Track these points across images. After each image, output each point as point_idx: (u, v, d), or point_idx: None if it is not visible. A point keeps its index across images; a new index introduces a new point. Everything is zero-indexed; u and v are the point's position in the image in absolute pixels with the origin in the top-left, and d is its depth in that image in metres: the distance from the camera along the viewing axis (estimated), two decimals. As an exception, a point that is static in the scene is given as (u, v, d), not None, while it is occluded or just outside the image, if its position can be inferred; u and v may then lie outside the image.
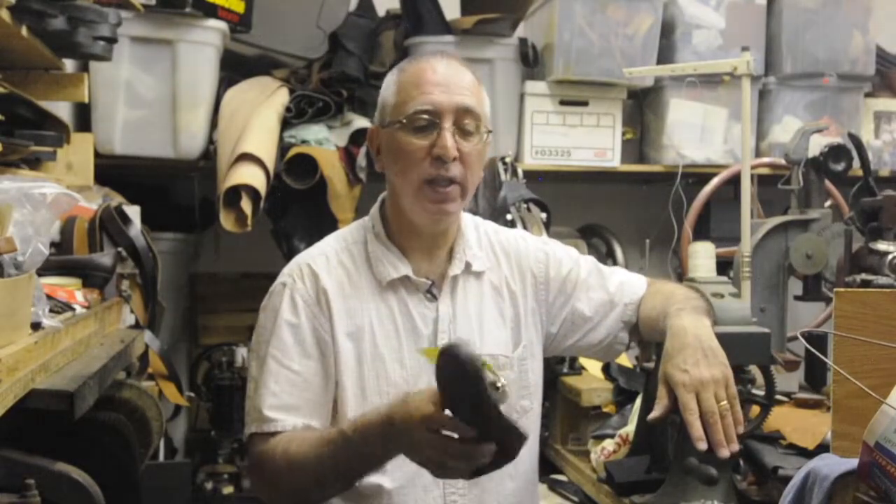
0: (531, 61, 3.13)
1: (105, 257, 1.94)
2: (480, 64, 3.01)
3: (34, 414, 1.29)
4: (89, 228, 2.03)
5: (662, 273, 3.01)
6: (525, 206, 2.46)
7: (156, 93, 2.87)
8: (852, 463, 1.21)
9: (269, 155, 2.78)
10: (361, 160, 2.86)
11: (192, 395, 3.08)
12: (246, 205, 2.70)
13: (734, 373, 1.54)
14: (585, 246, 2.76)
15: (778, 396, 1.81)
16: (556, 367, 2.40)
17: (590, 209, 3.47)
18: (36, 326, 1.39)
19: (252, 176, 2.71)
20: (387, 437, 1.36)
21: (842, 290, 1.36)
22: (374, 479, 1.55)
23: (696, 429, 1.47)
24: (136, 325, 2.12)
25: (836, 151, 2.27)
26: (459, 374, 1.22)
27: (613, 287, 1.77)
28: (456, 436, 1.28)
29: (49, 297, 1.57)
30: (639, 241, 3.18)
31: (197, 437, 3.28)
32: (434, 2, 3.13)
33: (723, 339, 1.57)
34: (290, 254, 2.74)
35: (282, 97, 2.94)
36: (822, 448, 1.69)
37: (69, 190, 1.53)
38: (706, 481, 1.56)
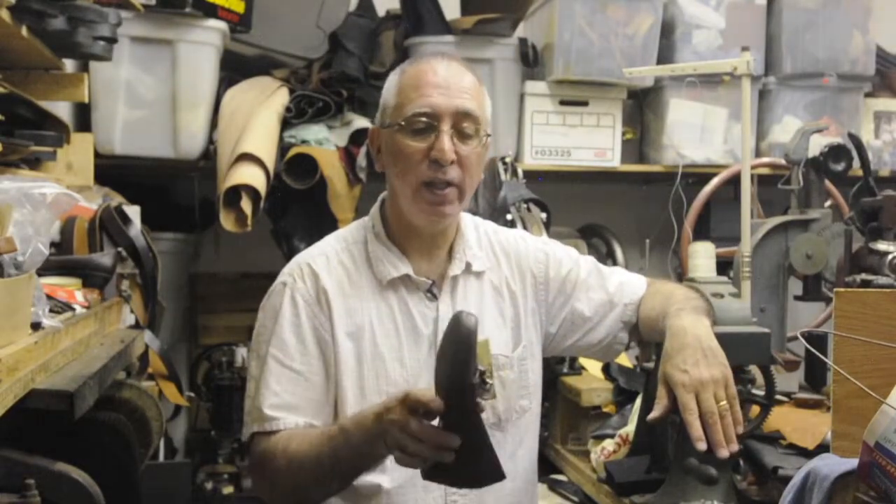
0: (531, 61, 3.13)
1: (105, 257, 1.94)
2: (480, 64, 3.01)
3: (34, 414, 1.29)
4: (89, 228, 2.03)
5: (662, 273, 3.01)
6: (525, 206, 2.46)
7: (156, 93, 2.87)
8: (852, 463, 1.21)
9: (269, 155, 2.78)
10: (361, 160, 2.86)
11: (192, 395, 3.08)
12: (246, 205, 2.70)
13: (734, 373, 1.54)
14: (585, 246, 2.75)
15: (778, 396, 1.81)
16: (556, 367, 2.40)
17: (590, 209, 3.47)
18: (36, 326, 1.40)
19: (252, 176, 2.71)
20: (377, 429, 1.37)
21: (842, 290, 1.36)
22: (373, 478, 1.55)
23: (696, 429, 1.47)
24: (136, 325, 2.12)
25: (836, 151, 2.27)
26: (453, 340, 1.23)
27: (613, 287, 1.77)
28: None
29: (49, 297, 1.57)
30: (639, 241, 3.18)
31: (197, 437, 3.28)
32: (434, 2, 3.13)
33: (723, 339, 1.57)
34: (290, 254, 2.74)
35: (282, 97, 2.94)
36: (822, 448, 1.69)
37: (69, 190, 1.53)
38: (706, 481, 1.56)
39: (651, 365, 1.83)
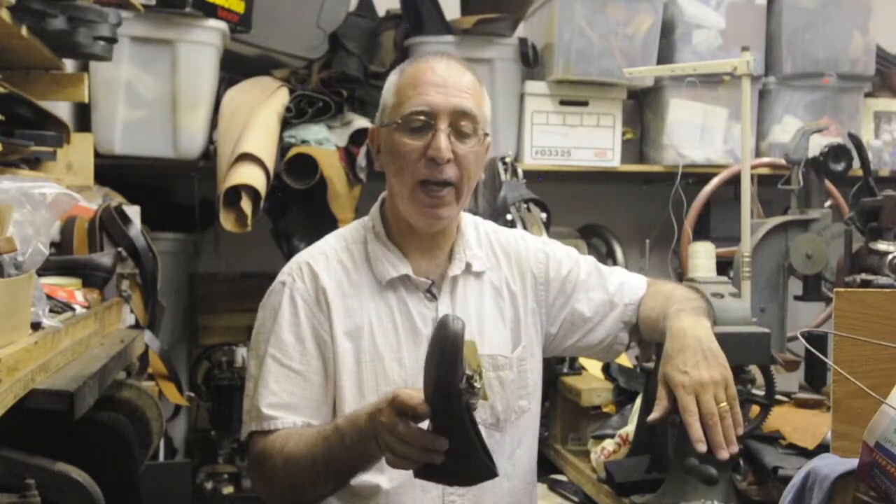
0: (531, 61, 3.13)
1: (105, 257, 1.94)
2: (480, 64, 3.01)
3: (34, 414, 1.29)
4: (89, 228, 2.03)
5: (662, 273, 3.01)
6: (525, 206, 2.46)
7: (156, 93, 2.87)
8: (852, 463, 1.21)
9: (269, 155, 2.78)
10: (361, 160, 2.86)
11: (192, 395, 3.08)
12: (246, 205, 2.70)
13: (734, 373, 1.54)
14: (585, 246, 2.75)
15: (778, 396, 1.81)
16: (556, 367, 2.39)
17: (590, 209, 3.47)
18: (36, 326, 1.39)
19: (252, 176, 2.71)
20: (370, 429, 1.37)
21: (842, 290, 1.36)
22: (371, 478, 1.55)
23: (696, 430, 1.47)
24: (136, 325, 2.12)
25: (836, 151, 2.27)
26: (439, 344, 1.22)
27: (613, 287, 1.77)
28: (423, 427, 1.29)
29: (49, 297, 1.57)
30: (639, 241, 3.18)
31: (197, 437, 3.28)
32: (434, 2, 3.13)
33: (723, 339, 1.57)
34: (290, 254, 2.74)
35: (282, 97, 2.94)
36: (822, 448, 1.69)
37: (69, 190, 1.53)
38: (706, 481, 1.56)
39: (651, 365, 1.83)
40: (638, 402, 2.05)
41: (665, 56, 3.15)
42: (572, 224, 3.07)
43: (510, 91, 3.14)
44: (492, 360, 1.65)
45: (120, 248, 2.05)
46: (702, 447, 1.47)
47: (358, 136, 2.90)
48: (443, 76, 1.58)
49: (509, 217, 2.41)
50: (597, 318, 1.76)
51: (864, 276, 1.94)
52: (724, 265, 2.12)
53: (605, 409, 2.28)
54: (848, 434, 1.30)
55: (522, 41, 3.14)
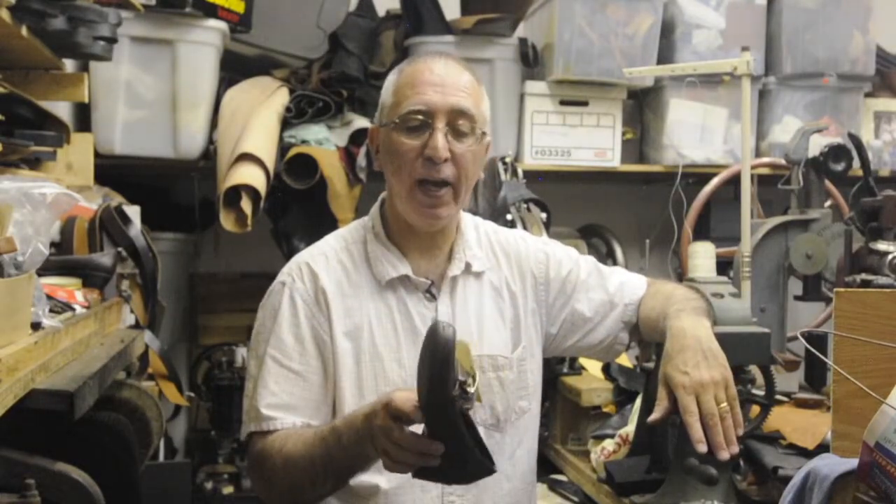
0: (531, 61, 3.13)
1: (105, 257, 1.94)
2: (480, 64, 3.01)
3: (34, 414, 1.29)
4: (89, 228, 2.03)
5: (662, 273, 3.01)
6: (525, 206, 2.46)
7: (156, 93, 2.87)
8: (852, 463, 1.21)
9: (269, 155, 2.78)
10: (361, 160, 2.86)
11: (192, 395, 3.08)
12: (246, 205, 2.70)
13: (734, 373, 1.54)
14: (585, 246, 2.75)
15: (778, 396, 1.81)
16: (556, 367, 2.39)
17: (590, 209, 3.47)
18: (36, 326, 1.39)
19: (252, 176, 2.71)
20: (367, 430, 1.37)
21: (842, 290, 1.36)
22: (371, 478, 1.55)
23: (696, 431, 1.47)
24: (136, 325, 2.12)
25: (836, 151, 2.27)
26: (430, 352, 1.23)
27: (613, 287, 1.77)
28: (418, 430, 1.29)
29: (49, 297, 1.57)
30: (639, 241, 3.18)
31: (197, 437, 3.28)
32: (434, 2, 3.13)
33: (723, 339, 1.57)
34: (290, 254, 2.73)
35: (282, 97, 2.94)
36: (822, 448, 1.69)
37: (69, 190, 1.53)
38: (706, 481, 1.56)
39: (651, 365, 1.83)
40: (638, 402, 2.05)
41: (665, 56, 3.15)
42: (572, 224, 3.07)
43: (510, 91, 3.14)
44: (492, 361, 1.65)
45: (120, 248, 2.05)
46: (702, 447, 1.47)
47: (358, 136, 2.90)
48: (440, 76, 1.58)
49: (509, 217, 2.41)
50: (597, 319, 1.76)
51: (864, 276, 1.94)
52: (724, 265, 2.12)
53: (605, 409, 2.28)
54: (848, 434, 1.30)
55: (522, 41, 3.14)
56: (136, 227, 2.14)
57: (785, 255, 2.23)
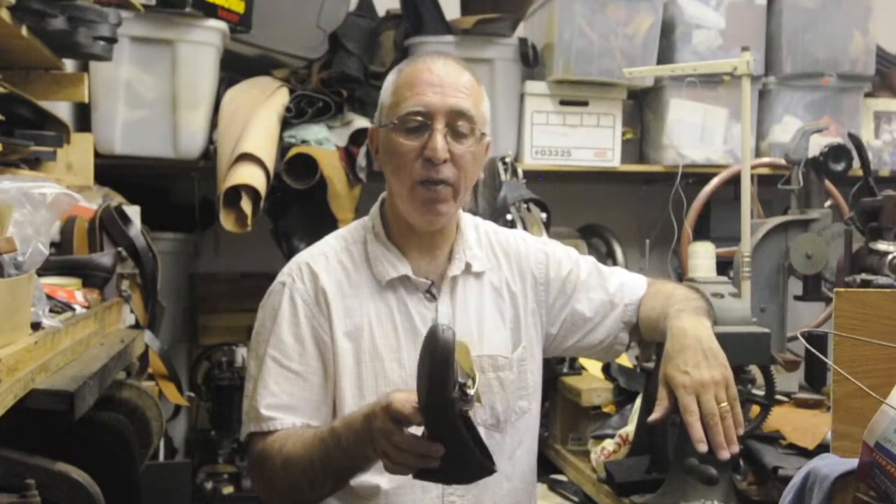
0: (531, 61, 3.13)
1: (105, 257, 1.94)
2: (480, 64, 3.01)
3: (34, 414, 1.29)
4: (89, 228, 2.03)
5: (662, 273, 3.01)
6: (525, 206, 2.46)
7: (156, 93, 2.87)
8: (852, 463, 1.21)
9: (269, 155, 2.78)
10: (361, 160, 2.86)
11: (192, 395, 3.08)
12: (246, 205, 2.70)
13: (734, 373, 1.54)
14: (585, 246, 2.75)
15: (778, 396, 1.81)
16: (556, 367, 2.39)
17: (590, 209, 3.47)
18: (36, 326, 1.39)
19: (252, 176, 2.71)
20: (366, 431, 1.37)
21: (842, 290, 1.36)
22: (371, 479, 1.55)
23: (697, 430, 1.47)
24: (136, 325, 2.12)
25: (836, 151, 2.27)
26: (429, 355, 1.23)
27: (613, 287, 1.77)
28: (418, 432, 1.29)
29: (49, 297, 1.57)
30: (639, 241, 3.18)
31: (197, 437, 3.28)
32: (434, 2, 3.13)
33: (723, 339, 1.57)
34: (290, 254, 2.74)
35: (282, 97, 2.94)
36: (822, 448, 1.69)
37: (69, 190, 1.53)
38: (706, 481, 1.56)
39: (651, 365, 1.83)
40: (638, 402, 2.05)
41: (665, 56, 3.15)
42: (572, 224, 3.07)
43: (510, 91, 3.14)
44: (492, 361, 1.65)
45: (120, 248, 2.05)
46: (703, 447, 1.47)
47: (358, 136, 2.90)
48: (440, 76, 1.57)
49: (509, 217, 2.41)
50: (597, 319, 1.76)
51: (864, 276, 1.94)
52: (724, 265, 2.12)
53: (605, 409, 2.28)
54: (848, 434, 1.30)
55: (522, 41, 3.14)
56: (136, 227, 2.14)
57: (785, 255, 2.23)
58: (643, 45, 3.10)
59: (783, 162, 2.43)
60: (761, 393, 1.73)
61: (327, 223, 2.75)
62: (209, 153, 2.92)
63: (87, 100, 2.24)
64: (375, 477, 1.55)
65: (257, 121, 2.81)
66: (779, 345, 2.19)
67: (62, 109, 2.44)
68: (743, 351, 1.65)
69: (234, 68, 3.05)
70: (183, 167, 3.00)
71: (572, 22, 3.04)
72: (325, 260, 1.65)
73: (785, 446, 1.83)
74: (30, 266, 1.37)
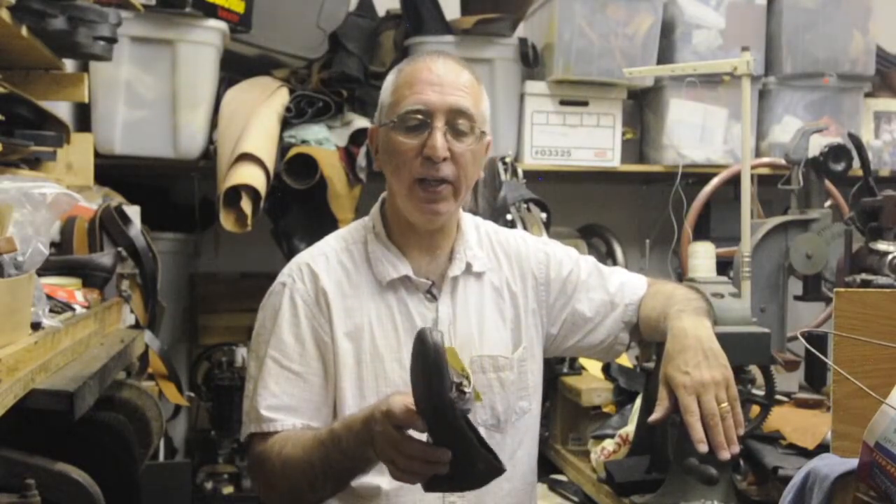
0: (531, 61, 3.13)
1: (105, 257, 1.94)
2: (480, 64, 3.01)
3: (34, 414, 1.29)
4: (89, 228, 2.03)
5: (662, 273, 3.01)
6: (525, 206, 2.46)
7: (156, 93, 2.87)
8: (852, 463, 1.21)
9: (269, 155, 2.78)
10: (361, 160, 2.86)
11: (192, 395, 3.08)
12: (246, 205, 2.70)
13: (734, 373, 1.54)
14: (585, 246, 2.75)
15: (778, 396, 1.81)
16: (556, 367, 2.39)
17: (590, 209, 3.48)
18: (36, 326, 1.40)
19: (252, 176, 2.71)
20: (366, 433, 1.37)
21: (842, 290, 1.36)
22: (372, 479, 1.55)
23: (697, 431, 1.47)
24: (136, 325, 2.12)
25: (836, 151, 2.27)
26: (421, 360, 1.22)
27: (614, 288, 1.77)
28: (422, 438, 1.29)
29: (49, 297, 1.57)
30: (639, 241, 3.18)
31: (197, 437, 3.28)
32: (434, 2, 3.13)
33: (723, 339, 1.57)
34: (290, 254, 2.74)
35: (282, 97, 2.94)
36: (822, 448, 1.69)
37: (69, 190, 1.53)
38: (706, 481, 1.56)
39: (651, 365, 1.83)
40: (638, 402, 2.05)
41: (665, 56, 3.15)
42: (572, 224, 3.07)
43: (510, 91, 3.14)
44: (492, 361, 1.65)
45: (120, 248, 2.05)
46: (703, 448, 1.47)
47: (358, 136, 2.90)
48: (439, 75, 1.57)
49: (509, 217, 2.41)
50: (597, 319, 1.76)
51: (864, 276, 1.94)
52: (724, 265, 2.12)
53: (605, 409, 2.28)
54: (848, 434, 1.30)
55: (522, 41, 3.14)
56: (136, 227, 2.14)
57: (785, 255, 2.23)
58: (643, 45, 3.10)
59: (783, 162, 2.43)
60: (761, 393, 1.73)
61: (327, 223, 2.75)
62: (209, 153, 2.92)
63: (87, 100, 2.25)
64: (376, 478, 1.55)
65: (257, 121, 2.81)
66: (779, 345, 2.19)
67: (62, 109, 2.44)
68: (743, 351, 1.65)
69: (234, 68, 3.05)
70: (183, 167, 3.00)
71: (572, 22, 3.04)
72: (326, 260, 1.65)
73: (785, 446, 1.83)
74: (30, 266, 1.37)
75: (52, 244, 1.89)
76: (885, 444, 1.12)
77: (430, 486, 1.34)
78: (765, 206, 2.72)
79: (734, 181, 2.45)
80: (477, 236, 1.73)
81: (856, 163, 2.31)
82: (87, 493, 1.35)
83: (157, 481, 2.28)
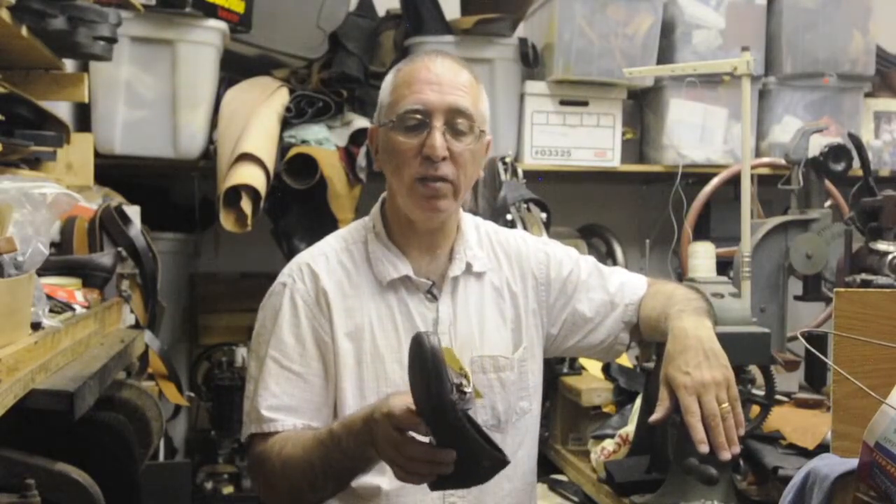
0: (531, 61, 3.13)
1: (105, 257, 1.94)
2: (480, 64, 3.01)
3: (34, 414, 1.29)
4: (89, 228, 2.03)
5: (662, 273, 3.01)
6: (525, 206, 2.46)
7: (156, 93, 2.87)
8: (852, 463, 1.21)
9: (269, 155, 2.78)
10: (361, 160, 2.86)
11: (192, 395, 3.08)
12: (246, 205, 2.70)
13: (734, 373, 1.54)
14: (585, 246, 2.75)
15: (778, 396, 1.81)
16: (556, 368, 2.40)
17: (590, 209, 3.48)
18: (36, 326, 1.40)
19: (252, 176, 2.71)
20: (366, 434, 1.37)
21: (842, 290, 1.36)
22: (372, 479, 1.55)
23: (698, 431, 1.47)
24: (136, 325, 2.12)
25: (836, 151, 2.27)
26: (419, 364, 1.23)
27: (614, 288, 1.77)
28: (424, 439, 1.29)
29: (49, 297, 1.57)
30: (639, 241, 3.18)
31: (197, 437, 3.28)
32: (434, 2, 3.13)
33: (723, 339, 1.57)
34: (290, 254, 2.74)
35: (282, 97, 2.94)
36: (822, 448, 1.69)
37: (69, 190, 1.53)
38: (706, 481, 1.56)
39: (651, 365, 1.83)
40: (638, 402, 2.06)
41: (665, 56, 3.15)
42: (572, 224, 3.07)
43: (510, 91, 3.14)
44: (493, 361, 1.65)
45: (120, 248, 2.05)
46: (704, 448, 1.46)
47: (358, 136, 2.90)
48: (438, 74, 1.57)
49: (509, 217, 2.41)
50: (598, 319, 1.75)
51: (864, 276, 1.94)
52: (724, 265, 2.12)
53: (605, 409, 2.28)
54: (848, 434, 1.30)
55: (522, 41, 3.14)
56: (136, 227, 2.14)
57: (785, 255, 2.23)
58: (643, 45, 3.10)
59: (783, 162, 2.43)
60: (761, 393, 1.73)
61: (327, 223, 2.76)
62: (209, 153, 2.92)
63: (87, 100, 2.24)
64: (376, 478, 1.55)
65: (257, 121, 2.81)
66: (779, 345, 2.19)
67: (62, 109, 2.44)
68: (743, 351, 1.65)
69: (234, 68, 3.05)
70: (183, 167, 3.00)
71: (572, 22, 3.04)
72: (326, 260, 1.65)
73: (785, 446, 1.83)
74: (30, 266, 1.37)
75: (52, 244, 1.89)
76: (885, 444, 1.12)
77: (435, 486, 1.34)
78: (765, 206, 2.72)
79: (734, 181, 2.45)
80: (477, 236, 1.73)
81: (856, 163, 2.31)
82: (87, 493, 1.35)
83: (157, 481, 2.28)
